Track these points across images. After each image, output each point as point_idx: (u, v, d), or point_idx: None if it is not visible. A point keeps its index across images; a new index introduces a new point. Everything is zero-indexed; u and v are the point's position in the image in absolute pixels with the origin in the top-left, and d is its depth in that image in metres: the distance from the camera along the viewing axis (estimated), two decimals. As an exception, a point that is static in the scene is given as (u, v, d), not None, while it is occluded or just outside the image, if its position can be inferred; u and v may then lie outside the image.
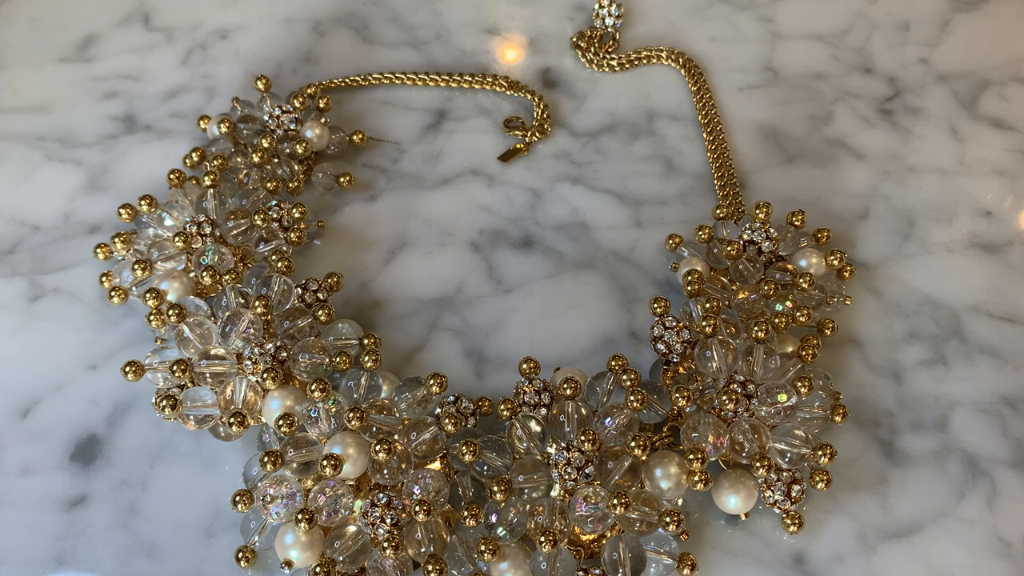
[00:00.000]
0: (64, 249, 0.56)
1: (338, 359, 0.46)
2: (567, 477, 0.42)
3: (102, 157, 0.60)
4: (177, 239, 0.51)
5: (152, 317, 0.48)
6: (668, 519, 0.41)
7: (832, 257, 0.52)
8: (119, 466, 0.47)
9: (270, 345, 0.46)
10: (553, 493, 0.43)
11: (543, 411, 0.44)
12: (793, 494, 0.43)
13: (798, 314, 0.49)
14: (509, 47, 0.67)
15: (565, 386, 0.44)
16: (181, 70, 0.65)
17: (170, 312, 0.47)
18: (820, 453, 0.44)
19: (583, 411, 0.44)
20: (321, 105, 0.60)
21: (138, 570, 0.44)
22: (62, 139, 0.61)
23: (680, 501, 0.44)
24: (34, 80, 0.65)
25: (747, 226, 0.52)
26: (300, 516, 0.41)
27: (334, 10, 0.69)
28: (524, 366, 0.45)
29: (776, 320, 0.48)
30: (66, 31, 0.67)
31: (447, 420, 0.43)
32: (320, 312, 0.48)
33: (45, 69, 0.65)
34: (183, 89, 0.64)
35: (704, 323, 0.46)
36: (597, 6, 0.63)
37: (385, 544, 0.40)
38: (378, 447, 0.41)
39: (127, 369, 0.46)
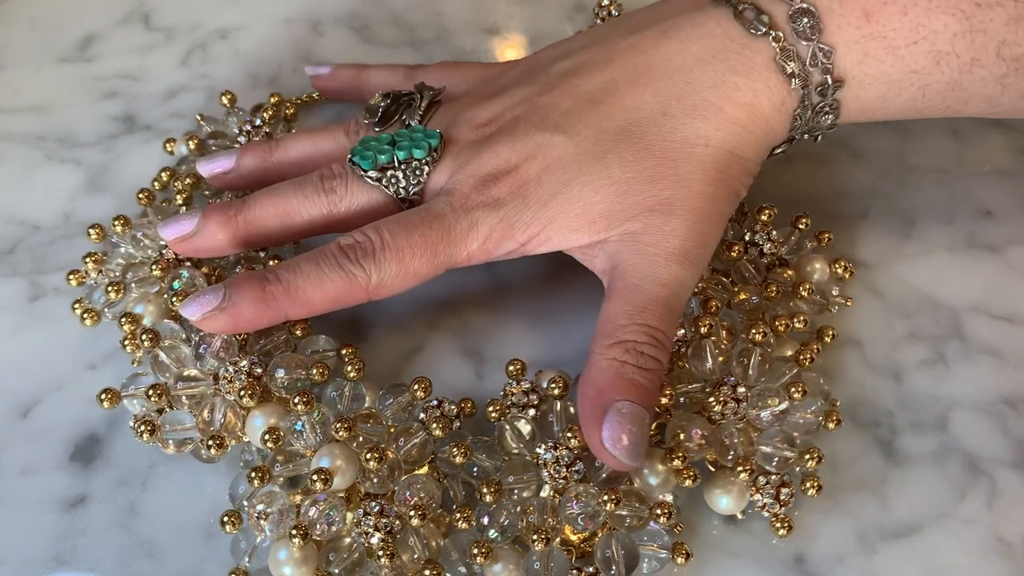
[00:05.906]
0: (64, 249, 0.56)
1: (315, 371, 0.45)
2: (556, 476, 0.42)
3: (102, 157, 0.60)
4: (155, 268, 0.49)
5: (127, 342, 0.48)
6: (659, 511, 0.41)
7: (836, 265, 0.51)
8: (119, 466, 0.47)
9: (244, 362, 0.45)
10: (543, 494, 0.43)
11: (531, 412, 0.44)
12: (782, 497, 0.43)
13: (795, 321, 0.48)
14: (509, 47, 0.67)
15: (553, 385, 0.44)
16: (181, 70, 0.65)
17: (143, 337, 0.46)
18: (807, 457, 0.43)
19: (571, 409, 0.44)
20: (287, 115, 0.60)
21: (138, 570, 0.44)
22: (62, 139, 0.61)
23: (670, 496, 0.44)
24: (34, 80, 0.65)
25: (748, 228, 0.52)
26: (295, 531, 0.40)
27: (334, 10, 0.69)
28: (511, 368, 0.45)
29: (775, 324, 0.48)
30: (66, 31, 0.67)
31: (434, 424, 0.43)
32: (296, 327, 0.48)
33: (45, 69, 0.65)
34: (183, 89, 0.64)
35: (700, 323, 0.46)
36: (597, 6, 0.63)
37: (380, 553, 0.40)
38: (368, 455, 0.41)
39: (103, 397, 0.45)
